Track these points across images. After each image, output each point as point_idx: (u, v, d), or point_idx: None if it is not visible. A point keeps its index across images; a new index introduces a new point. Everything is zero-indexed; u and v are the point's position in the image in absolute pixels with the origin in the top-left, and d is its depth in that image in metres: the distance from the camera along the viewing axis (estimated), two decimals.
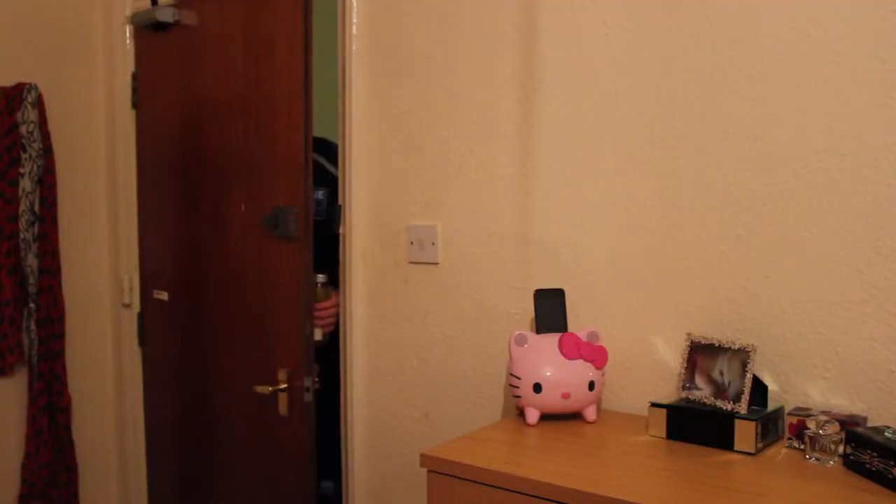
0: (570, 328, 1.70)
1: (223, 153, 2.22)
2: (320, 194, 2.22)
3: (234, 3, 2.17)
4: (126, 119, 2.60)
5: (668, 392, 1.64)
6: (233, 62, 2.18)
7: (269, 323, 2.11)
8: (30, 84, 2.39)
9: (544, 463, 1.40)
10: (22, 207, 2.37)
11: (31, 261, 2.41)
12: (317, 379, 2.11)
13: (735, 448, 1.42)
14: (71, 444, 2.57)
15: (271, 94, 2.06)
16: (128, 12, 2.56)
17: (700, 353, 1.53)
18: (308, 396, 2.00)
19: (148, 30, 2.45)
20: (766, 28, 1.53)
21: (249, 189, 2.14)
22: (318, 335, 2.12)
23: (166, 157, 2.45)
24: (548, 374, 1.58)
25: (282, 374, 2.06)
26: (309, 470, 2.02)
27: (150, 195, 2.55)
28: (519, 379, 1.60)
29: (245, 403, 2.17)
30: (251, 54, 2.11)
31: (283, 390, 2.05)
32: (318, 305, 2.12)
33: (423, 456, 1.46)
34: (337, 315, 2.19)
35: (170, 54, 2.40)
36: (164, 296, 2.49)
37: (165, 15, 2.35)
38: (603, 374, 1.63)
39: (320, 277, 2.14)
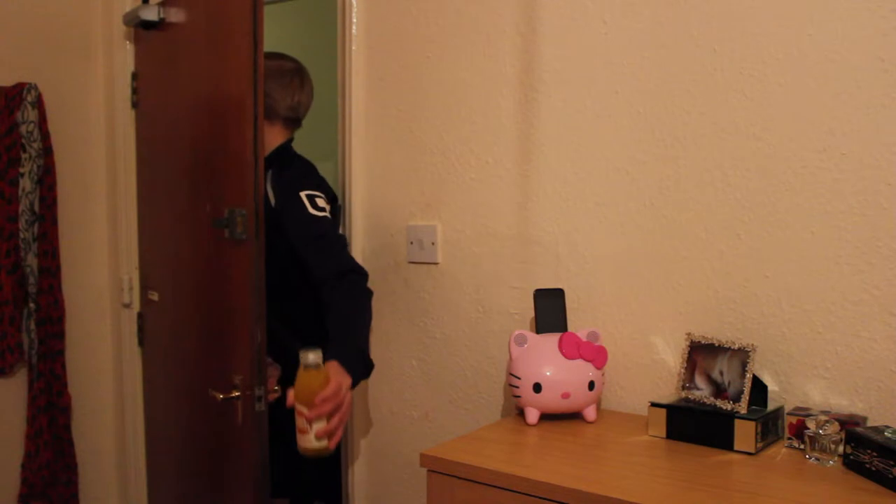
0: (570, 328, 1.70)
1: (196, 152, 2.19)
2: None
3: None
4: (126, 119, 2.60)
5: (668, 392, 1.64)
6: (201, 59, 2.13)
7: (228, 328, 2.02)
8: (30, 84, 2.39)
9: (544, 463, 1.40)
10: (22, 207, 2.37)
11: (31, 261, 2.41)
12: (277, 388, 2.01)
13: (735, 448, 1.42)
14: (71, 444, 2.57)
15: (227, 92, 1.99)
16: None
17: (700, 353, 1.53)
18: (259, 406, 1.86)
19: (146, 29, 2.45)
20: (766, 28, 1.53)
21: (213, 190, 2.08)
22: (312, 441, 1.51)
23: (162, 156, 2.44)
24: (548, 373, 1.58)
25: (237, 381, 1.95)
26: (261, 483, 1.91)
27: (148, 195, 2.54)
28: (519, 379, 1.60)
29: (210, 409, 2.09)
30: (214, 50, 2.06)
31: (236, 398, 1.91)
32: (317, 400, 1.49)
33: (423, 456, 1.46)
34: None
35: (163, 53, 2.39)
36: (155, 296, 2.48)
37: (150, 14, 2.33)
38: (603, 374, 1.63)
39: (311, 357, 1.49)
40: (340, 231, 2.12)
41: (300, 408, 1.52)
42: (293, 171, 2.05)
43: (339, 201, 2.14)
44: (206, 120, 2.12)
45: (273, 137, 2.06)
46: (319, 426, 1.51)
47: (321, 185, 2.06)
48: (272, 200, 1.98)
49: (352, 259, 1.93)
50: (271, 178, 2.00)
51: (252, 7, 1.84)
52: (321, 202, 1.94)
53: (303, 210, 1.93)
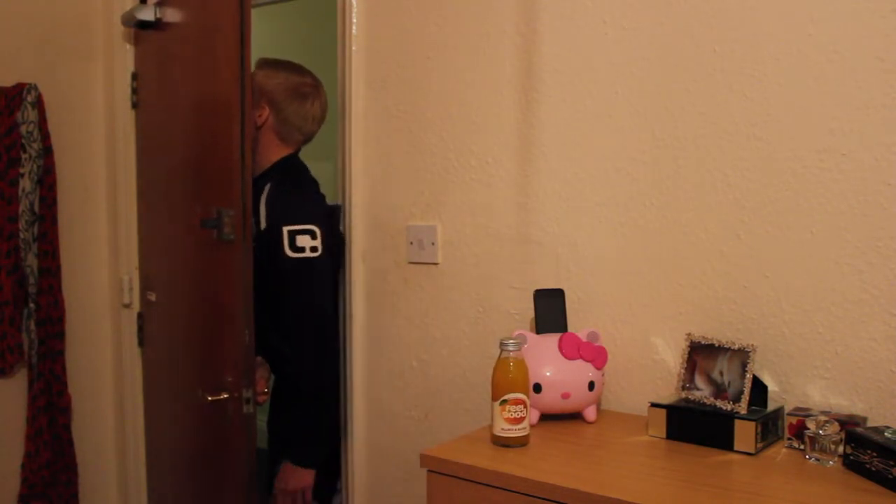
0: (570, 328, 1.70)
1: (189, 152, 2.19)
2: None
3: None
4: (126, 119, 2.60)
5: (668, 392, 1.64)
6: (194, 59, 2.13)
7: (219, 330, 2.02)
8: (30, 84, 2.39)
9: (544, 463, 1.40)
10: (22, 207, 2.37)
11: (31, 261, 2.41)
12: (266, 390, 2.01)
13: (735, 448, 1.42)
14: (71, 444, 2.57)
15: (216, 91, 1.98)
16: None
17: (700, 354, 1.53)
18: (247, 408, 1.86)
19: (144, 29, 2.44)
20: (766, 28, 1.53)
21: (203, 190, 2.09)
22: (527, 426, 1.48)
23: (160, 156, 2.44)
24: (548, 374, 1.58)
25: (226, 383, 1.95)
26: (249, 486, 1.91)
27: (147, 195, 2.54)
28: None
29: (204, 410, 2.08)
30: (205, 50, 2.06)
31: (225, 400, 1.93)
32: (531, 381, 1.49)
33: (423, 456, 1.46)
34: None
35: (161, 53, 2.39)
36: (154, 296, 2.48)
37: (147, 14, 2.33)
38: (603, 374, 1.63)
39: (513, 345, 1.47)
40: (340, 230, 2.11)
41: (517, 396, 1.46)
42: (289, 196, 2.00)
43: (339, 202, 2.14)
44: (198, 120, 2.11)
45: (281, 152, 2.05)
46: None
47: (314, 215, 1.99)
48: (262, 222, 1.95)
49: (315, 306, 1.92)
50: (267, 195, 1.96)
51: (239, 6, 1.83)
52: (303, 240, 1.90)
53: (278, 248, 1.92)
